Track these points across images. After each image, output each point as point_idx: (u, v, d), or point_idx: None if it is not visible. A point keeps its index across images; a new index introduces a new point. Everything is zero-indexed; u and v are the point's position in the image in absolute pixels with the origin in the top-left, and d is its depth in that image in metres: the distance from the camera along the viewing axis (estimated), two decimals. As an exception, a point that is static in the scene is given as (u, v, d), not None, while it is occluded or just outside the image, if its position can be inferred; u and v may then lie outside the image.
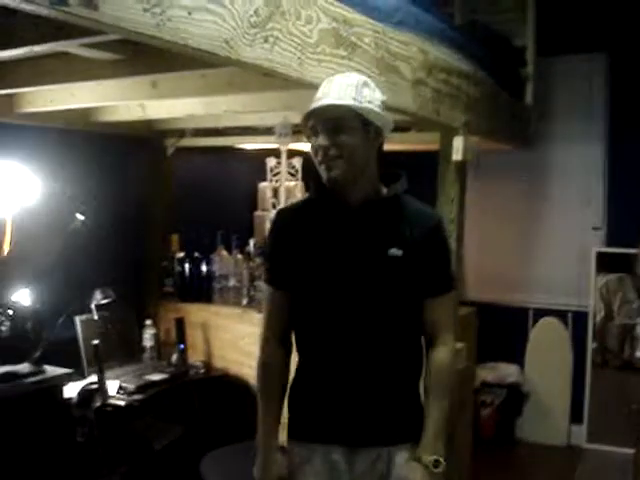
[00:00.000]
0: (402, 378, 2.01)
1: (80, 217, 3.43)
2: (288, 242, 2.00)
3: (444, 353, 2.00)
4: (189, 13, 1.60)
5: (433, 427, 1.94)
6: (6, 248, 3.22)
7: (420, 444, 1.94)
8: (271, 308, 2.06)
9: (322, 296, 1.95)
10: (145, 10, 1.49)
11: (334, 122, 1.85)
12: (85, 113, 3.66)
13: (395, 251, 1.90)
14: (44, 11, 1.34)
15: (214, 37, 1.69)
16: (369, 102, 1.88)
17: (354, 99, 1.85)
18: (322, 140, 1.86)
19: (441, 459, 1.91)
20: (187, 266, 4.28)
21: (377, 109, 1.90)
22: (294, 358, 2.09)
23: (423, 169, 3.84)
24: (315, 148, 1.90)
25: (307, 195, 2.14)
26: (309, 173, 2.06)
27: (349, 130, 1.86)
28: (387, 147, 2.00)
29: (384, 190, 1.99)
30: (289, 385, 2.08)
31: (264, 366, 2.05)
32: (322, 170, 1.91)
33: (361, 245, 1.93)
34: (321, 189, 1.99)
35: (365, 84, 1.90)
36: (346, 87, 1.86)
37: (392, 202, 1.98)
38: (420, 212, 2.01)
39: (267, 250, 2.17)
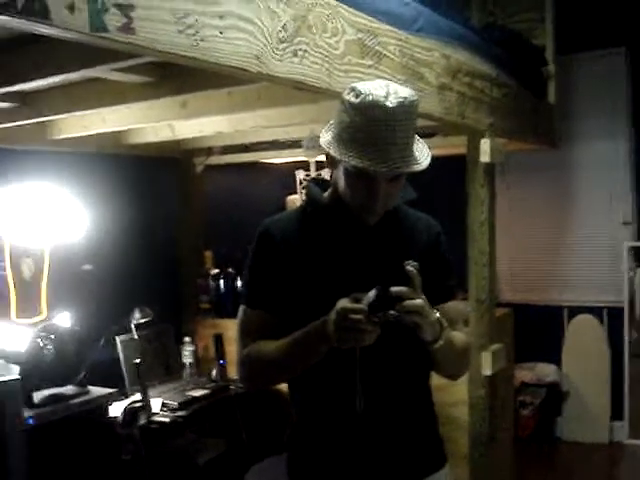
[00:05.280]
0: (421, 407, 1.88)
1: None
2: (284, 259, 1.77)
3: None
4: (221, 32, 1.64)
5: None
6: (45, 273, 3.29)
7: None
8: (251, 333, 1.81)
9: None
10: (180, 32, 1.52)
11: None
12: (115, 137, 3.71)
13: (413, 264, 1.71)
14: (85, 38, 1.37)
15: (245, 54, 1.72)
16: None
17: (421, 147, 1.72)
18: (378, 191, 1.67)
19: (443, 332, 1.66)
20: (222, 282, 4.33)
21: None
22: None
23: (451, 173, 3.88)
24: (358, 188, 1.70)
25: (297, 208, 1.94)
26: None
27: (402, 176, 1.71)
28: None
29: None
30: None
31: (248, 354, 1.80)
32: (354, 204, 1.73)
33: (378, 262, 1.74)
34: (321, 203, 1.83)
35: (417, 102, 1.68)
36: (411, 129, 1.65)
37: (398, 213, 1.85)
38: (424, 222, 1.90)
39: (252, 268, 1.84)
